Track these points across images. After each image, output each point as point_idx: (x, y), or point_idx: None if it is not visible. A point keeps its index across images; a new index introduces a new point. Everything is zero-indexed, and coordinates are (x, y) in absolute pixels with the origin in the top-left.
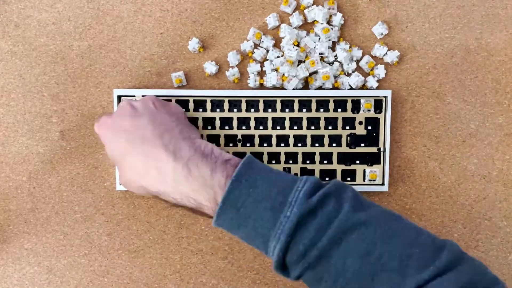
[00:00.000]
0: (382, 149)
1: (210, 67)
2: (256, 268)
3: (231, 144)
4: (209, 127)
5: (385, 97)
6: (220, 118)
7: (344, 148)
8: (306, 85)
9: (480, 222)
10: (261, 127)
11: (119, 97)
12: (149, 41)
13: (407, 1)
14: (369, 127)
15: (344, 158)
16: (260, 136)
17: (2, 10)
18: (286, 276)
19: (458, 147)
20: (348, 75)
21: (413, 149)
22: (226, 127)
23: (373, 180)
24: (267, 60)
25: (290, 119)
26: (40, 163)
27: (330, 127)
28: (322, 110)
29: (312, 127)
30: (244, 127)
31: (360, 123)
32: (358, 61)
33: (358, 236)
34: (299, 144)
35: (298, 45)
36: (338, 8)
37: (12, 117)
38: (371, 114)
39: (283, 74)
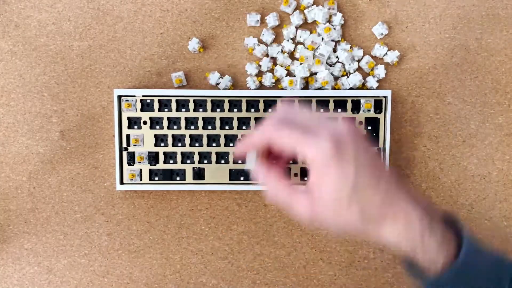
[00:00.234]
0: (382, 149)
1: (213, 77)
2: (256, 268)
3: (231, 144)
4: (209, 127)
5: (385, 97)
6: (220, 118)
7: None
8: (306, 85)
9: (480, 222)
10: None
11: (119, 97)
12: (149, 41)
13: (407, 1)
14: (369, 127)
15: None
16: None
17: (2, 10)
18: None
19: (458, 147)
20: (350, 74)
21: (413, 149)
22: (226, 127)
23: None
24: (267, 56)
25: None
26: (40, 163)
27: None
28: (322, 110)
29: None
30: (244, 127)
31: (360, 123)
32: (359, 61)
33: None
34: None
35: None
36: (338, 8)
37: (12, 117)
38: (371, 114)
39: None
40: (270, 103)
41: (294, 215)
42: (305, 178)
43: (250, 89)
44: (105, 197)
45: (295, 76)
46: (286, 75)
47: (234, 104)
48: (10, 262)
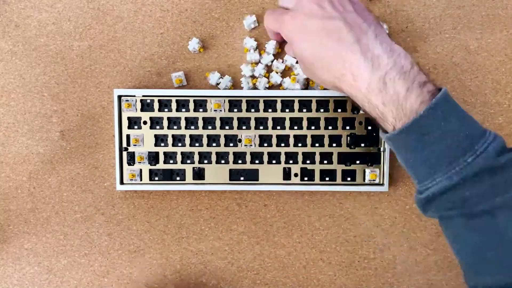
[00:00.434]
0: (382, 149)
1: (213, 77)
2: (256, 268)
3: (231, 144)
4: (210, 127)
5: None
6: (221, 118)
7: (344, 148)
8: (306, 85)
9: None
10: (261, 127)
11: (119, 97)
12: (149, 41)
13: (407, 1)
14: (369, 127)
15: (344, 158)
16: (260, 136)
17: (2, 10)
18: (422, 210)
19: None
20: None
21: None
22: (226, 127)
23: (373, 180)
24: (261, 63)
25: (290, 119)
26: (40, 163)
27: (330, 127)
28: (322, 110)
29: (312, 127)
30: (244, 127)
31: (360, 123)
32: None
33: None
34: (299, 144)
35: None
36: None
37: (12, 117)
38: None
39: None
40: (270, 103)
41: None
42: (305, 178)
43: (243, 89)
44: (105, 197)
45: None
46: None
47: (234, 104)
48: (10, 262)
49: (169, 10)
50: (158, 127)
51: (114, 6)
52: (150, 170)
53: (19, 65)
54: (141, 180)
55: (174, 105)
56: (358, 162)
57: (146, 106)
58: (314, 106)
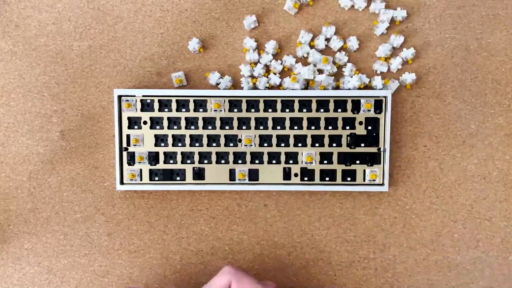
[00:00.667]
0: (382, 149)
1: (213, 77)
2: (256, 268)
3: (231, 144)
4: (210, 127)
5: (385, 97)
6: (221, 118)
7: (344, 148)
8: (307, 85)
9: (480, 222)
10: (261, 127)
11: (119, 97)
12: (149, 41)
13: (407, 1)
14: (369, 127)
15: (344, 158)
16: (260, 136)
17: (2, 10)
18: None
19: (458, 147)
20: (351, 76)
21: (413, 149)
22: (226, 127)
23: (373, 180)
24: (260, 63)
25: (290, 119)
26: (40, 163)
27: (330, 127)
28: (322, 110)
29: (312, 127)
30: (244, 127)
31: (360, 123)
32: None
33: None
34: (299, 144)
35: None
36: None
37: (12, 117)
38: (371, 114)
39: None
40: (270, 103)
41: None
42: (305, 178)
43: (243, 89)
44: (105, 197)
45: (299, 73)
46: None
47: (234, 104)
48: (10, 262)
49: (169, 10)
50: (158, 127)
51: (114, 6)
52: (150, 170)
53: (19, 65)
54: (141, 180)
55: (174, 105)
56: (358, 162)
57: (146, 106)
58: (314, 106)
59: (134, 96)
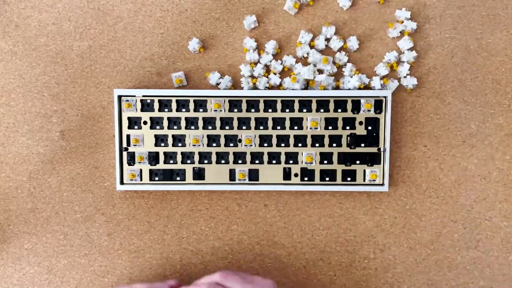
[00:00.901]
0: (382, 149)
1: (213, 77)
2: (256, 268)
3: (231, 144)
4: (210, 127)
5: (385, 97)
6: (221, 118)
7: (344, 148)
8: (306, 85)
9: (480, 222)
10: (261, 127)
11: (119, 97)
12: (149, 41)
13: (407, 1)
14: (369, 127)
15: (344, 158)
16: (260, 136)
17: (2, 10)
18: None
19: (458, 147)
20: (352, 76)
21: (413, 149)
22: (227, 127)
23: (373, 180)
24: (260, 63)
25: (290, 119)
26: (40, 163)
27: (330, 127)
28: (322, 110)
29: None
30: (244, 127)
31: (360, 123)
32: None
33: None
34: (299, 144)
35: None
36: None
37: (12, 117)
38: (371, 114)
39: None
40: (270, 103)
41: None
42: (305, 178)
43: (244, 89)
44: (105, 197)
45: (299, 73)
46: (280, 83)
47: (234, 104)
48: (10, 262)
49: (169, 10)
50: (158, 127)
51: (114, 6)
52: (150, 170)
53: (19, 65)
54: (141, 180)
55: (174, 105)
56: (358, 162)
57: (146, 106)
58: (314, 106)
59: (134, 96)
